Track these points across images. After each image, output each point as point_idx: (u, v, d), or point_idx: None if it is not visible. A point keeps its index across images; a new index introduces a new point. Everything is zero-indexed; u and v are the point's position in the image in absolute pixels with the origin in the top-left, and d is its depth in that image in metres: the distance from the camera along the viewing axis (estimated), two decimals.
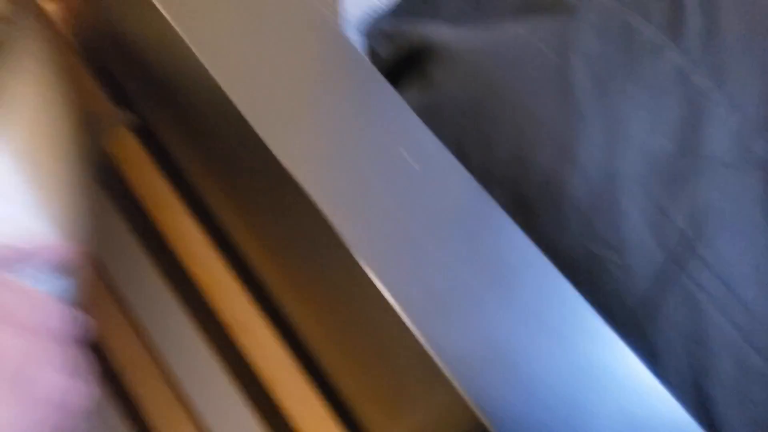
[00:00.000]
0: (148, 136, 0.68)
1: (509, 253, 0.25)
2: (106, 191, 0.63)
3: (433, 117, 0.27)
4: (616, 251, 0.29)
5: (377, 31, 0.39)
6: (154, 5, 0.35)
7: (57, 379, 0.31)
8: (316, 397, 0.56)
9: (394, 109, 0.28)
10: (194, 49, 0.31)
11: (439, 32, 0.35)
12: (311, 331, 0.56)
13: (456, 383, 0.24)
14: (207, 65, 0.31)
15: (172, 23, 0.34)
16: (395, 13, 0.34)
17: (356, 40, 0.44)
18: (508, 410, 0.24)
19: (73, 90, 0.69)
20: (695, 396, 0.27)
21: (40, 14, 0.71)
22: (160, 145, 0.67)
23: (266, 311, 0.60)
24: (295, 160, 0.28)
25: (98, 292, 0.60)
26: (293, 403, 0.57)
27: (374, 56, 0.41)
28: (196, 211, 0.64)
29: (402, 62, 0.34)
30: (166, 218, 0.63)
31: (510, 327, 0.24)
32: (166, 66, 0.44)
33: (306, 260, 0.39)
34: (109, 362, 0.58)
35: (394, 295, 0.26)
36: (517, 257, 0.25)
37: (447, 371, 0.25)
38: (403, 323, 0.25)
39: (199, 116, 0.44)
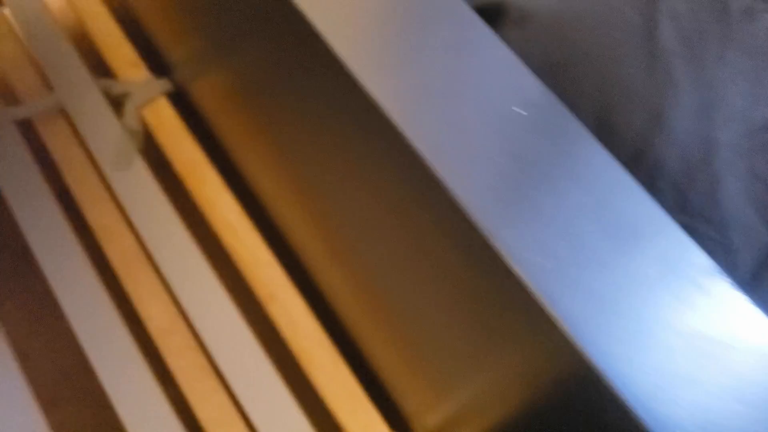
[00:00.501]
0: (183, 104, 0.65)
1: (630, 211, 0.22)
2: (144, 159, 0.60)
3: None
4: (715, 227, 0.26)
5: None
6: None
7: None
8: (348, 371, 0.54)
9: (500, 57, 0.24)
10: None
11: None
12: (354, 305, 0.54)
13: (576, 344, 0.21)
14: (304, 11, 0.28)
15: None
16: None
17: None
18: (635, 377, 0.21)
19: (114, 61, 0.66)
20: None
21: None
22: (195, 112, 0.64)
23: (302, 283, 0.57)
24: (391, 100, 0.25)
25: (136, 260, 0.57)
26: (323, 377, 0.54)
27: None
28: (229, 178, 0.61)
29: None
30: (201, 187, 0.60)
31: (633, 291, 0.21)
32: (242, 14, 0.40)
33: (380, 212, 0.36)
34: (146, 330, 0.56)
35: (515, 261, 0.22)
36: (638, 215, 0.22)
37: (564, 328, 0.21)
38: (522, 283, 0.22)
39: (270, 68, 0.41)
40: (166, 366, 0.55)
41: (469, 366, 0.38)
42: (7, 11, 0.70)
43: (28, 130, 0.63)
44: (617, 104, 0.27)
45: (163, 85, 0.64)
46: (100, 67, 0.68)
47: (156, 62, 0.67)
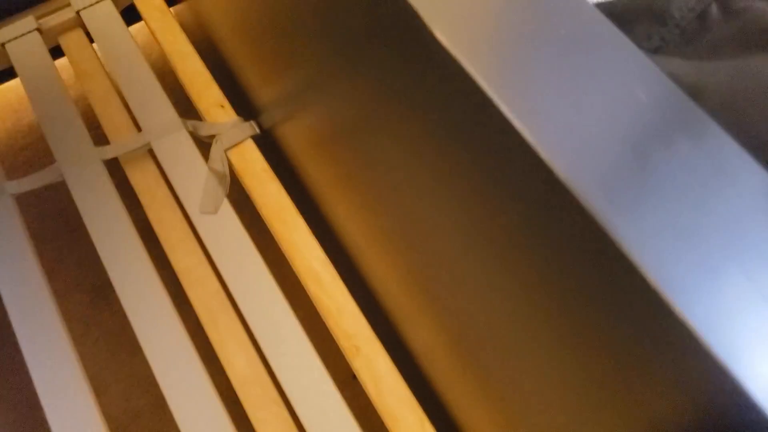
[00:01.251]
0: (267, 147, 0.62)
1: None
2: (230, 201, 0.58)
3: None
4: None
5: None
6: None
7: None
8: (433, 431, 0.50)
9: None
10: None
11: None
12: (443, 359, 0.50)
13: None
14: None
15: None
16: None
17: None
18: None
19: (201, 102, 0.64)
20: None
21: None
22: (279, 155, 0.62)
23: (386, 334, 0.53)
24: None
25: (220, 305, 0.54)
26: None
27: None
28: (314, 223, 0.58)
29: None
30: (287, 233, 0.57)
31: None
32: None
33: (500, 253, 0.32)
34: (227, 375, 0.52)
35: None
36: None
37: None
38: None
39: (379, 101, 0.38)
40: (245, 416, 0.52)
41: (580, 422, 0.34)
42: (96, 47, 0.69)
43: (114, 166, 0.61)
44: None
45: (250, 127, 0.61)
46: (181, 104, 0.66)
47: (241, 104, 0.64)
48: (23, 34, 0.65)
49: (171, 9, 0.71)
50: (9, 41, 0.64)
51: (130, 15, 0.71)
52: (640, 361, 0.24)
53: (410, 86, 0.35)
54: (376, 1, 0.33)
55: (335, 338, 0.53)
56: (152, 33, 0.68)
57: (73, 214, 0.59)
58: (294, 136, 0.58)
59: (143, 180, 0.60)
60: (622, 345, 0.25)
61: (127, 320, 0.54)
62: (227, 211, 0.57)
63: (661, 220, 0.21)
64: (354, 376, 0.53)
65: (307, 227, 0.57)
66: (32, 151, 0.79)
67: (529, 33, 0.27)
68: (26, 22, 0.65)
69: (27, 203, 0.62)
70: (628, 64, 0.26)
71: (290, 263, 0.56)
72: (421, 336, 0.52)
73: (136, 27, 0.73)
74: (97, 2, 0.67)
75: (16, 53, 0.64)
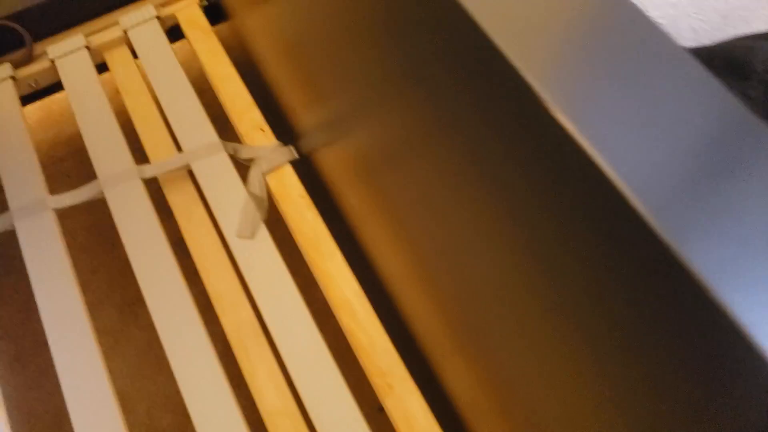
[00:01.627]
0: (304, 172, 0.61)
1: None
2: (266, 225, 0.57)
3: None
4: None
5: None
6: None
7: None
8: None
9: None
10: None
11: None
12: (483, 401, 0.48)
13: None
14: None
15: None
16: None
17: None
18: None
19: (242, 125, 0.63)
20: None
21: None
22: (316, 181, 0.61)
23: (418, 368, 0.51)
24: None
25: (252, 333, 0.53)
26: None
27: None
28: (348, 250, 0.57)
29: None
30: (322, 262, 0.56)
31: None
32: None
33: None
34: (254, 401, 0.51)
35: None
36: None
37: None
38: None
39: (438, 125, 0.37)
40: None
41: None
42: (141, 65, 0.68)
43: (152, 184, 0.61)
44: None
45: (289, 152, 0.60)
46: (218, 121, 0.66)
47: (280, 128, 0.64)
48: (72, 51, 0.65)
49: (213, 27, 0.70)
50: (59, 57, 0.65)
51: (174, 32, 0.71)
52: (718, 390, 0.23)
53: (479, 118, 0.33)
54: (448, 28, 0.32)
55: (367, 374, 0.51)
56: (195, 54, 0.68)
57: (107, 228, 0.59)
58: (333, 163, 0.57)
59: (181, 200, 0.59)
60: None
61: (154, 337, 0.54)
62: (264, 236, 0.56)
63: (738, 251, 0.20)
64: (380, 408, 0.52)
65: (343, 257, 0.56)
66: (71, 162, 0.79)
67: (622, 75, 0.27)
68: (76, 40, 0.65)
69: (63, 215, 0.61)
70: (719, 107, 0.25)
71: (324, 293, 0.55)
72: (459, 377, 0.50)
73: (177, 43, 0.72)
74: (144, 22, 0.67)
75: (65, 69, 0.64)
